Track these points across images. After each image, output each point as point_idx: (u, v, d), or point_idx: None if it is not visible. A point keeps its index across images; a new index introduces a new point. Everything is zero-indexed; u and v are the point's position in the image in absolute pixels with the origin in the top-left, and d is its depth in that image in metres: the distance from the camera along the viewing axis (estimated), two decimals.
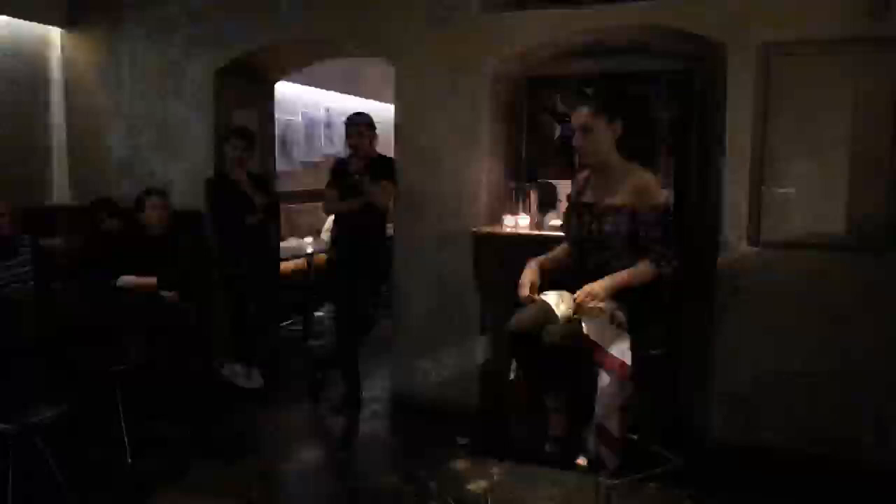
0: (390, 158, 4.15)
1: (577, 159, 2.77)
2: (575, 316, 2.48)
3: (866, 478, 3.27)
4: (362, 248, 4.13)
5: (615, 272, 2.48)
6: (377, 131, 4.17)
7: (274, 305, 4.59)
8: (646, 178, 2.54)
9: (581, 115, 2.58)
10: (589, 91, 4.27)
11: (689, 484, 3.15)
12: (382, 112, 5.11)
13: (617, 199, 2.53)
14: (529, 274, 2.65)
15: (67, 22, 4.81)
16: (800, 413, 3.41)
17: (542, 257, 2.74)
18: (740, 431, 3.49)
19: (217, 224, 4.35)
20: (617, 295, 2.50)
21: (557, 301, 2.56)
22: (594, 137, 2.57)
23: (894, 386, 3.29)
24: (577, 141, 2.62)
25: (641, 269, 2.46)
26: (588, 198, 2.68)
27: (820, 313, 3.36)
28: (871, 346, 3.31)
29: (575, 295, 2.47)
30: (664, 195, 2.57)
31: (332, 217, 4.42)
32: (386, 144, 4.29)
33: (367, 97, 8.15)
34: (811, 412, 3.40)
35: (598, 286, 2.44)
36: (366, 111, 4.22)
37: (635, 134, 4.07)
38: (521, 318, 2.58)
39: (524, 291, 2.60)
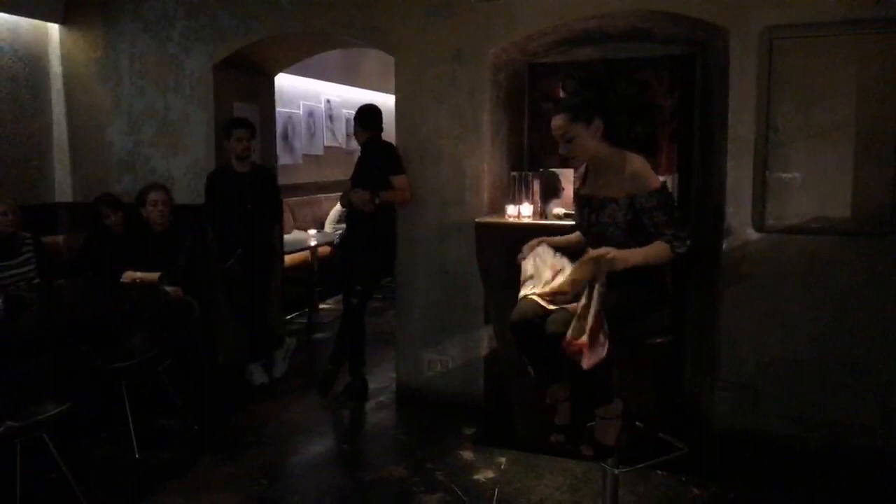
0: (390, 148, 4.13)
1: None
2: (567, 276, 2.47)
3: (873, 463, 3.27)
4: (366, 233, 4.14)
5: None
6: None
7: (265, 300, 4.56)
8: (637, 164, 2.52)
9: (558, 125, 2.55)
10: (575, 78, 4.21)
11: (694, 471, 3.16)
12: (383, 102, 5.10)
13: (614, 190, 2.51)
14: (534, 241, 2.67)
15: (65, 18, 4.80)
16: (805, 399, 3.40)
17: (553, 238, 2.73)
18: (746, 418, 3.49)
19: (211, 216, 4.35)
20: (619, 281, 2.47)
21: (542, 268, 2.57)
22: (577, 143, 2.56)
23: None
24: (562, 150, 2.61)
25: (657, 248, 2.43)
26: (587, 190, 2.67)
27: (825, 298, 3.35)
28: (877, 331, 3.29)
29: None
30: (659, 178, 2.54)
31: (335, 209, 4.44)
32: (387, 135, 4.27)
33: (367, 88, 8.14)
34: (817, 398, 3.39)
35: (610, 251, 2.39)
36: (364, 103, 4.21)
37: (638, 121, 4.08)
38: (523, 307, 2.56)
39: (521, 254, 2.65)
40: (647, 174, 2.49)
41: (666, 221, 2.43)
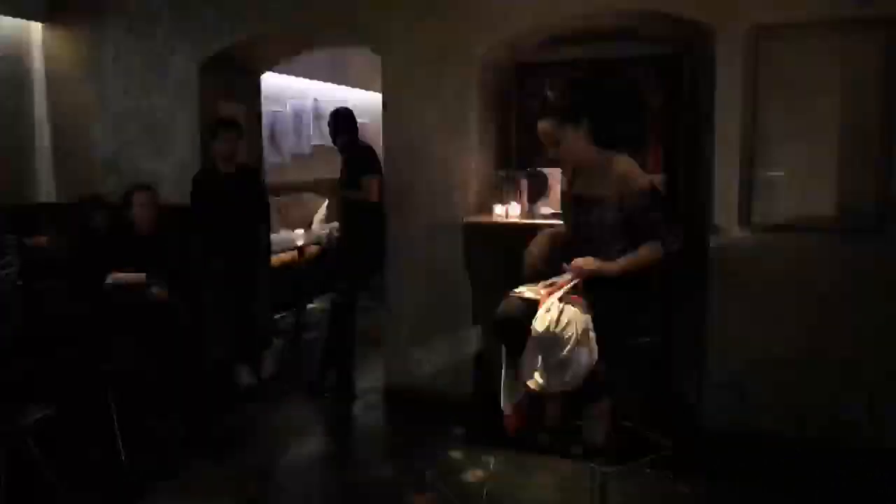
0: (367, 149, 4.20)
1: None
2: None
3: (860, 460, 3.29)
4: (354, 234, 4.23)
5: (608, 261, 2.47)
6: (368, 120, 4.23)
7: (252, 301, 4.54)
8: (625, 166, 2.52)
9: (546, 129, 2.58)
10: (576, 78, 4.25)
11: (683, 469, 3.17)
12: (370, 101, 5.10)
13: (602, 191, 2.52)
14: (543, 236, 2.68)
15: (47, 16, 4.74)
16: (792, 396, 3.43)
17: (551, 230, 2.74)
18: (733, 416, 3.51)
19: (197, 217, 4.33)
20: (606, 282, 2.48)
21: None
22: (566, 147, 2.58)
23: (886, 367, 3.31)
24: (551, 154, 2.63)
25: (646, 250, 2.44)
26: (575, 191, 2.67)
27: (811, 296, 3.37)
28: (863, 328, 3.32)
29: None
30: (648, 178, 2.55)
31: (322, 209, 4.48)
32: (374, 134, 4.28)
33: (354, 86, 8.10)
34: (804, 395, 3.41)
35: (590, 263, 2.42)
36: (351, 102, 4.24)
37: (624, 120, 4.09)
38: (508, 305, 2.56)
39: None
40: (636, 175, 2.50)
41: (658, 219, 2.44)
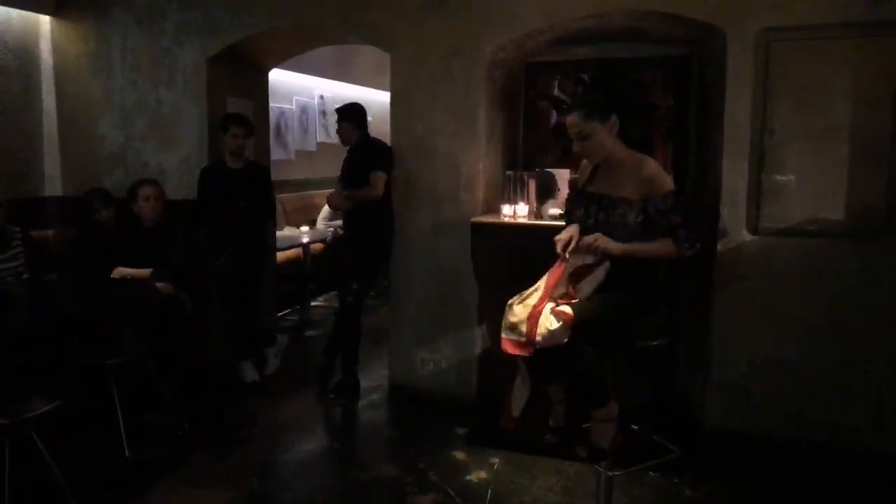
0: (372, 147, 4.11)
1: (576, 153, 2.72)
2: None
3: (865, 463, 3.28)
4: (354, 232, 4.18)
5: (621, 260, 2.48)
6: (371, 118, 4.15)
7: (257, 297, 4.52)
8: (653, 167, 2.52)
9: (574, 123, 2.54)
10: (585, 77, 4.24)
11: (688, 472, 3.16)
12: (377, 99, 5.08)
13: (627, 191, 2.51)
14: (569, 230, 2.62)
15: (56, 9, 4.74)
16: (798, 400, 3.42)
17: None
18: (739, 419, 3.50)
19: (204, 212, 4.31)
20: (617, 284, 2.48)
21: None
22: (594, 141, 2.55)
23: (891, 371, 3.30)
24: (576, 147, 2.60)
25: (662, 245, 2.46)
26: (596, 188, 2.64)
27: (818, 300, 3.36)
28: (870, 332, 3.31)
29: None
30: (671, 181, 2.55)
31: (327, 206, 4.45)
32: (381, 133, 4.25)
33: (360, 84, 8.10)
34: (809, 399, 3.40)
35: (611, 244, 2.44)
36: (356, 99, 4.19)
37: (634, 121, 4.08)
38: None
39: (559, 246, 2.59)
40: (663, 177, 2.51)
41: (681, 222, 2.45)
